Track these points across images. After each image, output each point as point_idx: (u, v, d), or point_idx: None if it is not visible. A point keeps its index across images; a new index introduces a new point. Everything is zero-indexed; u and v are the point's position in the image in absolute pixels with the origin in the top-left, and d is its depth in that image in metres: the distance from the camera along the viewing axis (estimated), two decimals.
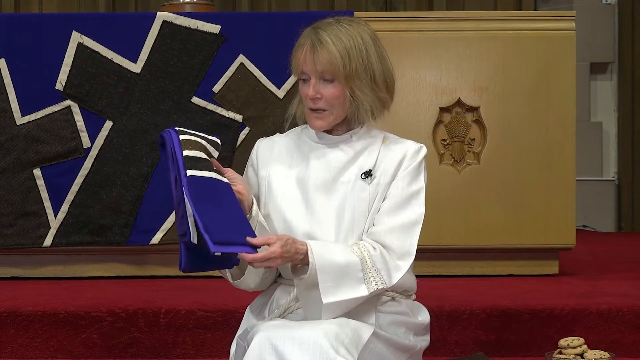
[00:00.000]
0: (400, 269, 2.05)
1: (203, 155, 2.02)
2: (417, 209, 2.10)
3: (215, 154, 2.07)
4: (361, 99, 2.09)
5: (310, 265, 1.97)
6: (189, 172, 1.96)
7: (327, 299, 1.97)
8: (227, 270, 2.08)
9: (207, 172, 1.98)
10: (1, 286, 3.32)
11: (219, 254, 1.87)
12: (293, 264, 2.02)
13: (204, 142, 2.05)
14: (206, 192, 1.95)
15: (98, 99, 3.46)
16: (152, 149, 3.45)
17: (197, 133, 2.07)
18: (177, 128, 2.05)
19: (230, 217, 1.94)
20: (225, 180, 2.01)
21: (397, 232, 2.06)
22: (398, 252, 2.05)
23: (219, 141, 2.10)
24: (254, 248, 1.92)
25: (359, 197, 2.09)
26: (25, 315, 2.81)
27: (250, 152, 2.24)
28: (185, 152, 1.99)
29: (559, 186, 3.50)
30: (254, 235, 1.93)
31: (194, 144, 2.02)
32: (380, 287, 2.02)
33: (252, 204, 2.06)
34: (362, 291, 2.00)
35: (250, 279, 2.11)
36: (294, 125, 2.23)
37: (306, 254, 1.98)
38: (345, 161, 2.13)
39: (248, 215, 2.03)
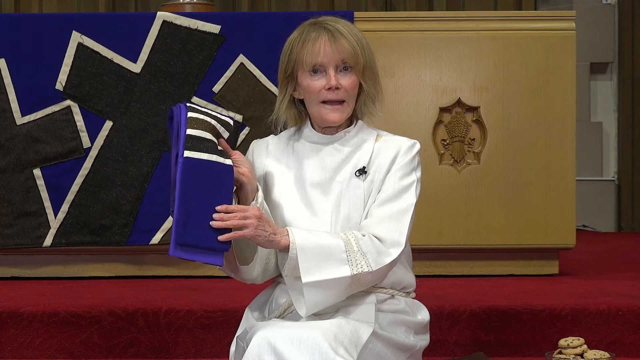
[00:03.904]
0: (390, 254, 2.04)
1: (208, 136, 1.99)
2: (408, 199, 2.10)
3: (226, 134, 2.05)
4: (368, 92, 2.13)
5: (290, 244, 1.97)
6: (187, 153, 1.94)
7: (306, 278, 1.96)
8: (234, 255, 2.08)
9: (206, 155, 1.96)
10: (1, 286, 3.32)
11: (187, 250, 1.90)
12: (281, 256, 2.02)
13: (213, 122, 2.02)
14: (199, 177, 1.93)
15: (98, 99, 3.46)
16: (152, 149, 3.46)
17: (208, 112, 2.04)
18: (188, 104, 2.03)
19: (214, 209, 1.93)
20: (228, 162, 1.99)
21: (386, 222, 2.06)
22: (388, 241, 2.04)
23: (231, 122, 2.08)
24: (220, 257, 1.93)
25: (354, 194, 2.10)
26: (25, 315, 2.81)
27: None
28: (189, 131, 1.97)
29: (559, 186, 3.51)
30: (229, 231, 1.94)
31: (201, 122, 2.00)
32: (366, 270, 2.00)
33: (257, 190, 2.06)
34: (345, 271, 1.98)
35: (254, 267, 2.10)
36: (285, 129, 2.24)
37: (287, 236, 1.99)
38: (340, 160, 2.14)
39: (253, 202, 2.03)
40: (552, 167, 3.51)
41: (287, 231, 2.00)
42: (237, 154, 2.06)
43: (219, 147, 2.01)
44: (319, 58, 2.07)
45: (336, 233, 2.06)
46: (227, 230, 1.94)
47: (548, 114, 3.51)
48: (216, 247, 1.93)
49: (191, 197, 1.92)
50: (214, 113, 2.06)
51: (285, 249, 1.98)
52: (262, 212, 2.00)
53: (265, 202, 2.09)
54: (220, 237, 1.92)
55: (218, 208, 1.93)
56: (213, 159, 1.97)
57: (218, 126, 2.04)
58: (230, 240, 1.96)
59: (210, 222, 1.92)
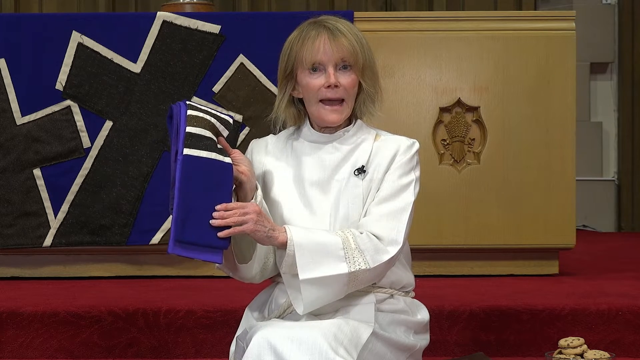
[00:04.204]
0: (388, 252, 2.03)
1: (207, 134, 1.99)
2: (406, 198, 2.10)
3: (225, 132, 2.05)
4: (367, 91, 2.13)
5: (288, 241, 1.97)
6: (186, 151, 1.94)
7: (304, 274, 1.96)
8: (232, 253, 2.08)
9: (206, 152, 1.96)
10: (1, 286, 3.32)
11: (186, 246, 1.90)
12: (279, 253, 2.01)
13: (212, 120, 2.02)
14: (199, 175, 1.93)
15: (98, 99, 3.46)
16: (152, 149, 3.46)
17: (208, 110, 2.04)
18: (188, 102, 2.03)
19: (213, 207, 1.93)
20: (227, 160, 1.99)
21: (384, 220, 2.06)
22: (386, 239, 2.04)
23: (231, 120, 2.07)
24: (220, 255, 1.93)
25: (353, 194, 2.10)
26: (25, 315, 2.81)
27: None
28: (189, 129, 1.97)
29: (559, 186, 3.51)
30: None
31: (200, 120, 2.00)
32: (363, 267, 2.00)
33: (256, 188, 2.05)
34: (342, 269, 1.98)
35: (252, 266, 2.10)
36: (284, 128, 2.24)
37: (285, 233, 1.98)
38: (339, 159, 2.14)
39: (252, 200, 2.03)
40: (552, 167, 3.51)
41: (285, 228, 2.01)
42: (236, 153, 2.06)
43: (219, 146, 2.02)
44: (318, 56, 2.07)
45: (334, 231, 2.06)
46: (227, 227, 1.94)
47: (548, 114, 3.51)
48: (216, 245, 1.93)
49: (191, 195, 1.92)
50: (213, 111, 2.06)
51: (283, 245, 1.98)
52: (261, 209, 2.00)
53: (264, 201, 2.09)
54: (220, 233, 1.92)
55: (217, 207, 1.93)
56: (212, 157, 1.97)
57: (218, 124, 2.04)
58: (230, 238, 1.96)
59: (210, 221, 1.92)
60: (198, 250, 1.92)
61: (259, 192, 2.06)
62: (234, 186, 2.04)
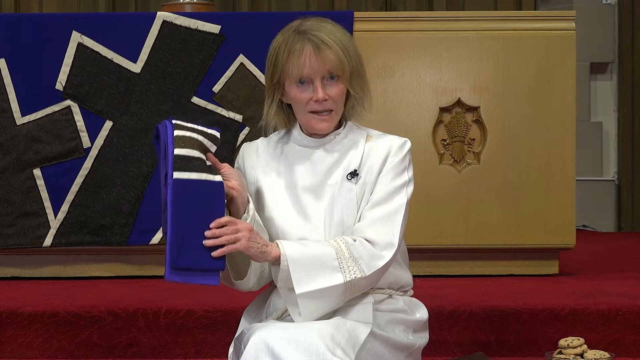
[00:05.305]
0: (383, 257, 2.02)
1: (196, 154, 1.97)
2: (399, 200, 2.08)
3: (213, 148, 2.03)
4: (357, 96, 2.11)
5: (281, 257, 1.96)
6: (176, 175, 1.92)
7: (300, 288, 1.95)
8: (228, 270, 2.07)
9: (196, 174, 1.94)
10: (1, 286, 3.32)
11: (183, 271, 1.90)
12: (274, 269, 2.01)
13: (200, 138, 2.00)
14: (191, 198, 1.91)
15: (98, 99, 3.46)
16: (152, 149, 3.45)
17: (194, 127, 2.01)
18: (174, 122, 2.00)
19: (206, 229, 1.92)
20: (217, 179, 1.96)
21: (378, 224, 2.05)
22: (381, 244, 2.03)
23: (217, 135, 2.04)
24: (217, 277, 1.93)
25: (347, 198, 2.08)
26: (25, 315, 2.81)
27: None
28: (177, 151, 1.95)
29: (559, 186, 3.51)
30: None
31: (188, 140, 1.98)
32: (359, 276, 1.99)
33: (248, 202, 2.03)
34: (338, 279, 1.97)
35: (249, 280, 2.09)
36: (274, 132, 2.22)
37: (278, 248, 1.97)
38: (331, 163, 2.11)
39: (245, 215, 2.01)
40: (552, 167, 3.51)
41: (277, 244, 1.99)
42: (225, 167, 2.03)
43: (208, 163, 1.99)
44: (304, 71, 2.04)
45: (326, 240, 2.04)
46: (221, 246, 1.93)
47: (548, 114, 3.51)
48: (212, 267, 1.92)
49: (183, 220, 1.90)
50: (199, 128, 2.02)
51: (277, 260, 1.97)
52: (254, 223, 1.99)
53: (256, 212, 2.07)
54: (215, 253, 1.91)
55: (211, 225, 1.92)
56: (203, 178, 1.94)
57: (205, 141, 2.00)
58: (224, 259, 1.94)
59: (204, 242, 1.90)
60: (194, 275, 1.92)
61: (251, 205, 2.03)
62: (225, 201, 2.02)
